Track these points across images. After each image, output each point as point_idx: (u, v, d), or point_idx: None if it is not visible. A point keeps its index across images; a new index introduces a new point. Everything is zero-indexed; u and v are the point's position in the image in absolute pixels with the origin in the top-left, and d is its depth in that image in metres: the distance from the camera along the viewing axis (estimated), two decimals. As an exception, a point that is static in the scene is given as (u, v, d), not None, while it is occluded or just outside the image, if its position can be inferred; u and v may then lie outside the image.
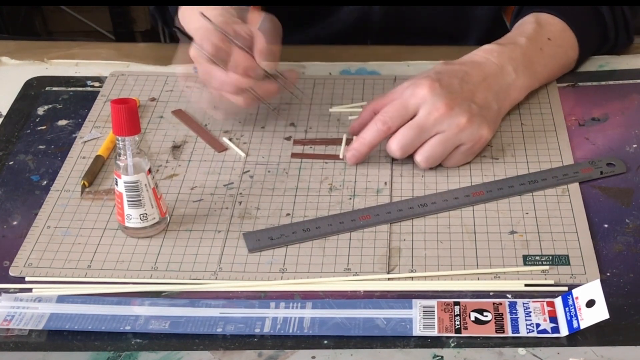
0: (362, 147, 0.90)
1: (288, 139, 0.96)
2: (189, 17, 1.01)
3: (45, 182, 0.90)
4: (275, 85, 0.91)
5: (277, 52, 0.90)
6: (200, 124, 0.98)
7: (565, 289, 0.76)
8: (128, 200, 0.80)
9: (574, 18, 1.01)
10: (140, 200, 0.80)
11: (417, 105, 0.87)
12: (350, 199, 0.87)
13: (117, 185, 0.80)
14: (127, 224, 0.82)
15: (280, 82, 0.91)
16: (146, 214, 0.81)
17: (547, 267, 0.78)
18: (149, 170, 0.80)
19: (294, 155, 0.93)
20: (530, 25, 1.00)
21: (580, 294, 0.73)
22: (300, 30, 1.14)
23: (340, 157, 0.93)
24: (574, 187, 0.87)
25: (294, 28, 1.10)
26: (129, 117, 0.78)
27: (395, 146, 0.88)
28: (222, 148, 0.95)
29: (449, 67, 0.92)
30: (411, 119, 0.88)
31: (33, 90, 1.06)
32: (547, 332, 0.72)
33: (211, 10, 0.90)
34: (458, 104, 0.87)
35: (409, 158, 0.92)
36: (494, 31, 1.05)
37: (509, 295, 0.76)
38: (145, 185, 0.80)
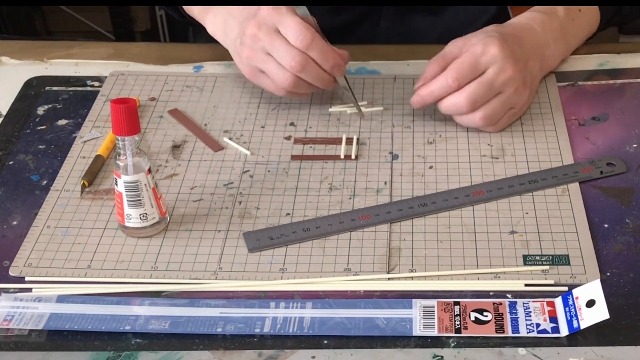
0: (429, 98, 0.93)
1: (288, 138, 0.96)
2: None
3: (45, 182, 0.90)
4: (330, 83, 0.95)
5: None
6: (196, 123, 0.98)
7: (565, 288, 0.76)
8: (128, 200, 0.80)
9: None
10: (140, 200, 0.80)
11: (488, 64, 0.91)
12: (350, 198, 0.87)
13: (116, 185, 0.80)
14: (127, 224, 0.82)
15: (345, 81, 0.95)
16: (146, 213, 0.81)
17: (547, 267, 0.78)
18: (149, 170, 0.80)
19: (294, 157, 0.93)
20: None
21: (581, 294, 0.73)
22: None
23: (341, 157, 0.93)
24: (574, 187, 0.87)
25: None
26: (129, 117, 0.78)
27: (465, 101, 0.91)
28: (218, 147, 0.95)
29: (505, 30, 0.95)
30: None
31: (33, 90, 1.06)
32: (547, 332, 0.72)
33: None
34: (520, 69, 0.92)
35: (409, 157, 0.92)
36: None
37: (509, 295, 0.76)
38: (145, 185, 0.80)
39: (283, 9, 0.90)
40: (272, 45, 0.91)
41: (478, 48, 0.91)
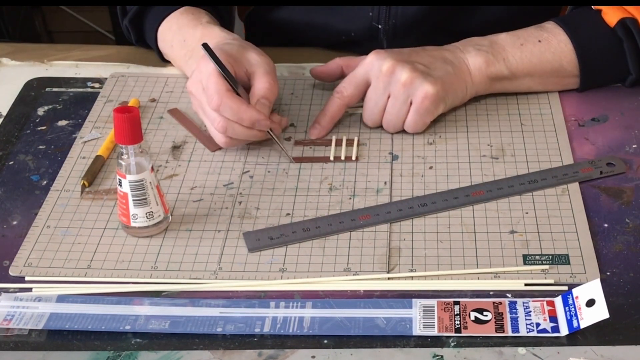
0: (324, 121, 0.96)
1: (288, 139, 0.96)
2: (172, 56, 1.04)
3: (45, 182, 0.91)
4: (263, 134, 0.91)
5: (276, 92, 0.92)
6: (195, 123, 0.98)
7: (565, 288, 0.76)
8: (134, 200, 0.80)
9: (580, 34, 0.98)
10: (146, 198, 0.80)
11: (366, 72, 0.93)
12: (350, 198, 0.87)
13: (120, 185, 0.80)
14: (132, 224, 0.81)
15: (269, 133, 0.91)
16: (152, 211, 0.81)
17: (547, 267, 0.78)
18: (152, 168, 0.80)
19: (295, 159, 0.93)
20: (527, 28, 1.00)
21: (580, 294, 0.73)
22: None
23: (342, 158, 0.93)
24: (574, 187, 0.87)
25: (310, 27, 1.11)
26: (132, 127, 0.78)
27: (365, 119, 0.96)
28: (216, 147, 0.95)
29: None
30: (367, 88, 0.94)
31: (33, 91, 1.06)
32: (547, 332, 0.72)
33: (211, 43, 0.91)
34: (400, 63, 0.92)
35: (409, 158, 0.92)
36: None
37: (509, 295, 0.76)
38: (150, 183, 0.80)
39: (207, 68, 0.89)
40: (201, 107, 0.91)
41: (359, 65, 0.94)
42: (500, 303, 0.74)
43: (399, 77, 0.91)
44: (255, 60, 0.92)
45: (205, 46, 0.89)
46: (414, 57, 0.95)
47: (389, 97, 0.93)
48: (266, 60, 0.93)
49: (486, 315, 0.73)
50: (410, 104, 0.93)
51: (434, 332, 0.72)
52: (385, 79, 0.92)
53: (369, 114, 0.95)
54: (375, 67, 0.93)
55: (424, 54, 0.96)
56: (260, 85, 0.90)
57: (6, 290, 0.78)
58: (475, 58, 0.96)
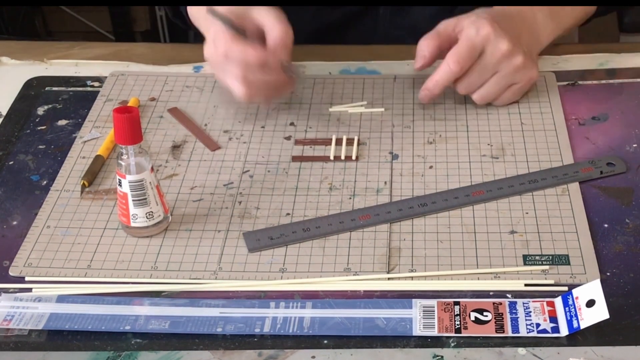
0: (436, 88, 0.96)
1: (288, 138, 0.96)
2: (196, 16, 1.03)
3: (45, 182, 0.90)
4: (291, 80, 0.93)
5: (292, 36, 0.92)
6: (195, 122, 0.98)
7: (565, 288, 0.76)
8: (133, 200, 0.80)
9: None
10: (145, 198, 0.80)
11: (483, 45, 0.94)
12: (350, 198, 0.87)
13: (120, 185, 0.80)
14: (132, 224, 0.81)
15: (292, 76, 0.92)
16: (152, 212, 0.81)
17: (547, 267, 0.78)
18: (152, 168, 0.80)
19: (294, 158, 0.93)
20: None
21: (580, 294, 0.73)
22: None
23: (342, 157, 0.93)
24: (574, 187, 0.87)
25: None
26: (132, 127, 0.78)
27: (460, 87, 0.96)
28: (216, 147, 0.95)
29: (493, 10, 0.98)
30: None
31: (33, 90, 1.06)
32: (547, 332, 0.72)
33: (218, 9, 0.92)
34: (516, 45, 0.94)
35: (409, 157, 0.92)
36: None
37: (509, 295, 0.76)
38: (150, 183, 0.80)
39: (214, 28, 0.91)
40: (219, 68, 0.93)
41: (471, 30, 0.94)
42: (500, 303, 0.74)
43: (515, 61, 0.94)
44: (264, 12, 0.93)
45: (211, 10, 0.91)
46: (517, 36, 0.96)
47: (494, 73, 0.95)
48: (274, 11, 0.93)
49: (486, 316, 0.73)
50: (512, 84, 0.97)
51: (434, 332, 0.72)
52: (501, 59, 0.94)
53: (469, 84, 0.96)
54: (492, 43, 0.93)
55: (520, 31, 0.97)
56: (274, 33, 0.91)
57: (6, 291, 0.78)
58: (547, 28, 1.01)
